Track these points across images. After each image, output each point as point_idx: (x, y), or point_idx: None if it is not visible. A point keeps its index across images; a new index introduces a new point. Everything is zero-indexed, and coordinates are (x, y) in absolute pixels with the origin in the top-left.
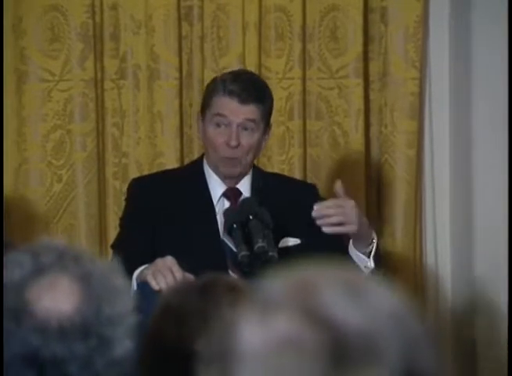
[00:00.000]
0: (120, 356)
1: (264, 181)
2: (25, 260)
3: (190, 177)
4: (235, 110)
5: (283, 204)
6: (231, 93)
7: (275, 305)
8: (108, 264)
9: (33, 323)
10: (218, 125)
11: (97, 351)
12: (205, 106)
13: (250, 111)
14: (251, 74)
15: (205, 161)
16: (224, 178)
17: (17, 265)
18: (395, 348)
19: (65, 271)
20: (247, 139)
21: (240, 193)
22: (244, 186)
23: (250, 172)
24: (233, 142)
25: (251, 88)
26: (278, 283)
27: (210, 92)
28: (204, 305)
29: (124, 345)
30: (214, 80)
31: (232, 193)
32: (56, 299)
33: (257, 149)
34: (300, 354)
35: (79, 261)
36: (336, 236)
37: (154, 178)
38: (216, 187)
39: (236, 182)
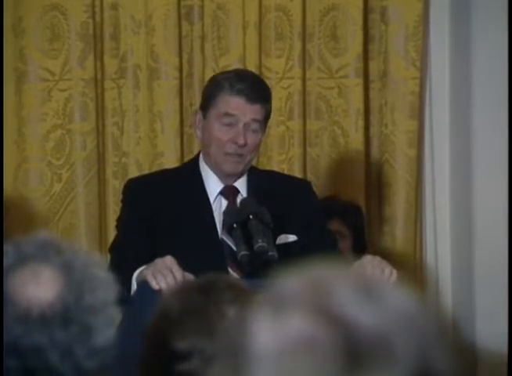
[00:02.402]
0: (100, 345)
1: (260, 178)
2: (8, 250)
3: (186, 176)
4: (243, 109)
5: (278, 201)
6: (239, 92)
7: (289, 305)
8: (90, 255)
9: (14, 311)
10: (226, 124)
11: (78, 339)
12: (208, 103)
13: (256, 111)
14: (253, 73)
15: (201, 160)
16: (225, 176)
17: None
18: (409, 349)
19: (46, 261)
20: (253, 139)
21: (238, 191)
22: (241, 184)
23: (246, 170)
24: (241, 141)
25: (257, 87)
26: (291, 282)
27: (213, 89)
28: (205, 305)
29: (104, 333)
30: (214, 78)
31: (229, 191)
32: (37, 288)
33: (258, 148)
34: (314, 353)
35: (60, 251)
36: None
37: (150, 179)
38: (213, 185)
39: (234, 180)
